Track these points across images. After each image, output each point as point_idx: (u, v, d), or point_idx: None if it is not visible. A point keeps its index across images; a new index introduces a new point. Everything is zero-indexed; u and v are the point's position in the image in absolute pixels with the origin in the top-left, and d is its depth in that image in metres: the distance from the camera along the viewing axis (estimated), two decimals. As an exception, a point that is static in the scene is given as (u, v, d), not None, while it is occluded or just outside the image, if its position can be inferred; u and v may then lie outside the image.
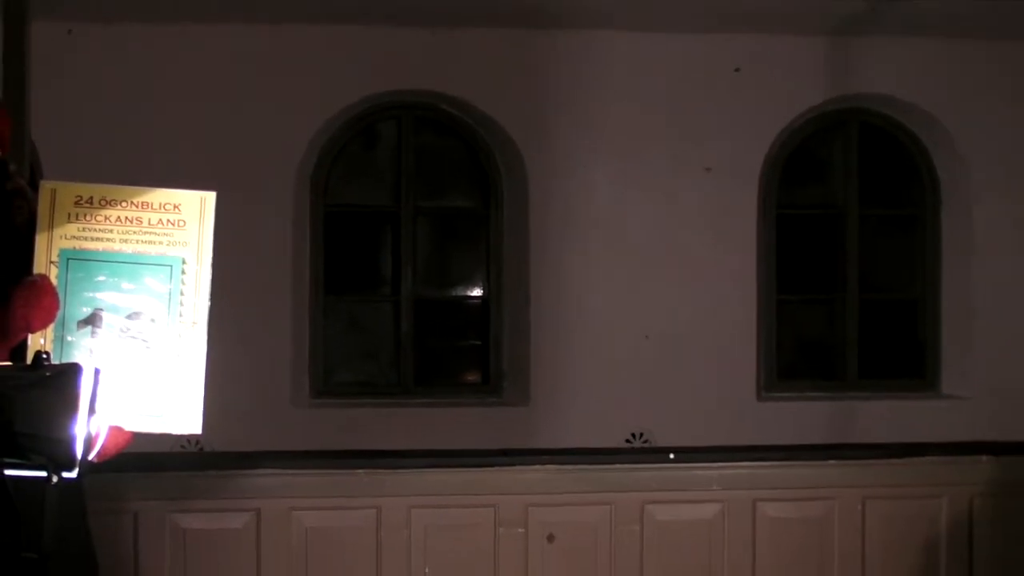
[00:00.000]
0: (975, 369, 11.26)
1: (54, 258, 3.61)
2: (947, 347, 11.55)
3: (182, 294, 3.64)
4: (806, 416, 10.85)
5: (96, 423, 3.47)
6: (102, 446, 3.63)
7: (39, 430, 3.38)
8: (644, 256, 10.87)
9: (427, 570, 6.74)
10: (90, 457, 3.51)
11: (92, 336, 3.61)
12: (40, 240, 3.61)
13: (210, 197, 3.69)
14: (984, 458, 7.33)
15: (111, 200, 3.64)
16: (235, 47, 10.32)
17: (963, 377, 11.36)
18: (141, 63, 10.13)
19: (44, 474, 3.38)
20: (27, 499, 3.42)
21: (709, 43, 10.77)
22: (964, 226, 11.36)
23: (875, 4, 8.50)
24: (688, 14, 10.26)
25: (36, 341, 3.56)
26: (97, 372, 3.45)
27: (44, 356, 3.48)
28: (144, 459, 7.10)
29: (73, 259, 3.61)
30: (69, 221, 3.61)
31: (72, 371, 3.43)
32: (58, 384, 3.41)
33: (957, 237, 11.43)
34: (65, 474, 3.40)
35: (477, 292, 11.34)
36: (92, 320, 3.61)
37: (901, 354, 11.73)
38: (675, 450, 7.33)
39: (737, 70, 10.91)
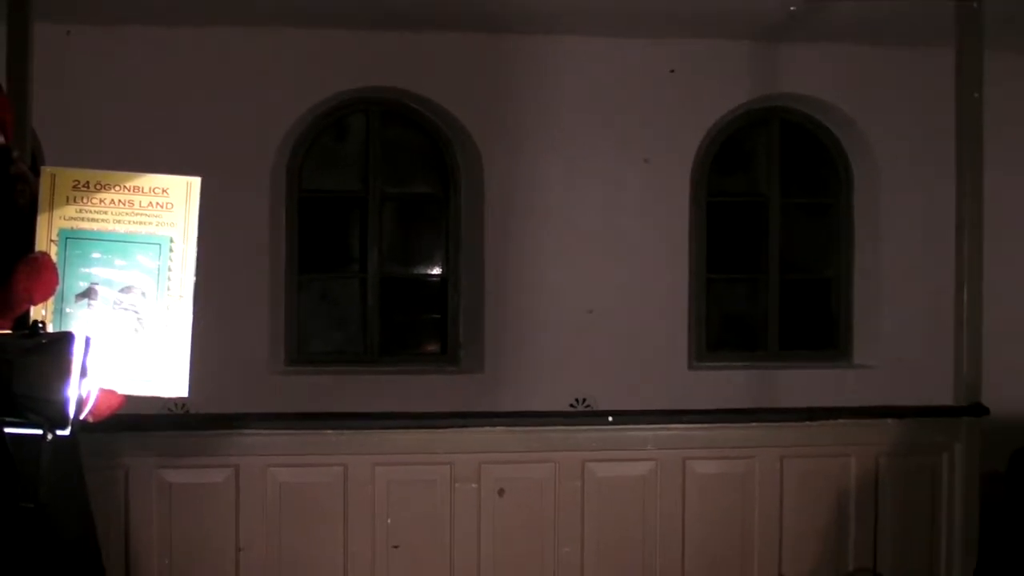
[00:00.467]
0: (882, 341, 11.31)
1: (54, 237, 3.61)
2: (858, 321, 11.61)
3: (170, 270, 3.65)
4: (731, 383, 10.90)
5: (87, 386, 3.49)
6: (97, 407, 3.64)
7: (35, 392, 3.39)
8: (588, 238, 10.88)
9: (389, 521, 6.74)
10: (82, 416, 3.52)
11: (88, 308, 3.61)
12: (41, 220, 3.61)
13: (195, 182, 3.70)
14: (889, 421, 7.36)
15: (106, 184, 3.64)
16: (219, 48, 10.28)
17: (871, 348, 11.42)
18: (134, 62, 10.09)
19: (40, 432, 3.40)
20: (25, 455, 3.43)
21: (648, 47, 10.77)
22: (874, 213, 11.41)
23: (795, 12, 8.51)
24: (629, 20, 10.25)
25: (38, 312, 3.56)
26: (88, 340, 3.46)
27: (40, 325, 3.49)
28: (135, 420, 7.09)
29: (71, 238, 3.61)
30: (67, 203, 3.61)
31: (65, 339, 3.44)
32: (53, 350, 3.42)
33: (867, 223, 11.48)
34: (59, 432, 3.42)
35: (437, 271, 11.33)
36: (88, 294, 3.62)
37: (817, 328, 11.78)
38: (613, 413, 7.32)
39: (672, 71, 10.92)
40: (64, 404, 3.41)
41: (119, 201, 3.64)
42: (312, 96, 10.64)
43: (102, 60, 10.05)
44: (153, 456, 6.60)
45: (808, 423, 7.28)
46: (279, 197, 10.70)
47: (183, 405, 9.77)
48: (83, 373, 3.46)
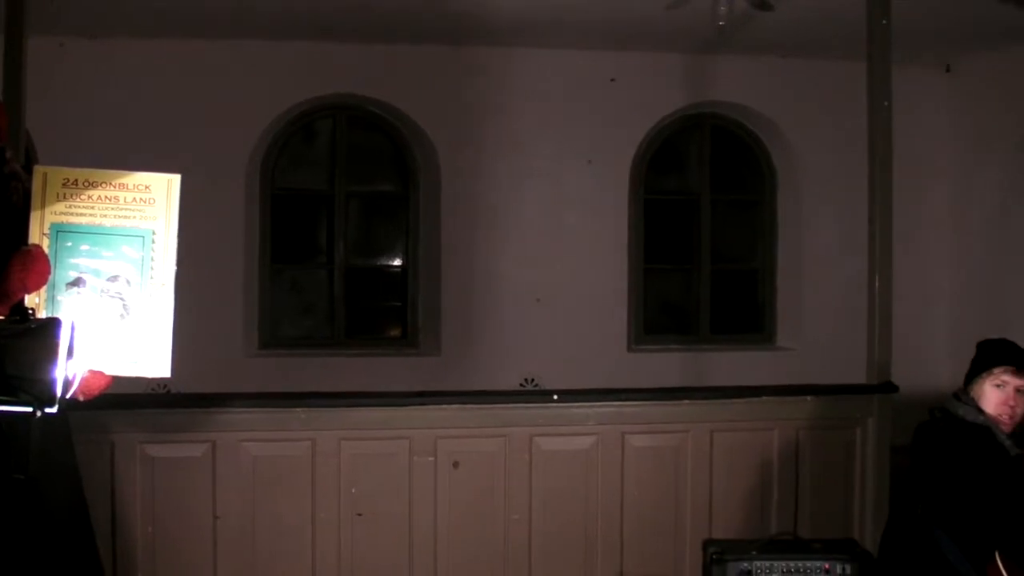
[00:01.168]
0: (803, 326, 11.39)
1: (46, 231, 3.61)
2: (781, 308, 11.69)
3: (153, 260, 3.65)
4: (666, 364, 10.94)
5: (73, 367, 3.49)
6: (87, 387, 3.64)
7: (25, 372, 3.39)
8: (536, 232, 10.91)
9: (353, 491, 6.74)
10: (70, 395, 3.52)
11: (78, 296, 3.62)
12: (34, 216, 3.61)
13: (176, 179, 3.71)
14: (808, 398, 7.39)
15: (93, 182, 3.64)
16: (200, 58, 10.26)
17: (793, 332, 11.50)
18: (122, 70, 10.07)
19: (30, 409, 3.40)
20: (17, 431, 3.43)
21: (590, 58, 10.82)
22: (795, 209, 11.49)
23: (724, 27, 8.55)
24: (574, 34, 10.27)
25: (32, 301, 3.56)
26: (73, 325, 3.47)
27: (30, 311, 3.50)
28: (121, 399, 7.07)
29: (61, 231, 3.61)
30: (58, 200, 3.61)
31: (53, 324, 3.45)
32: (41, 334, 3.43)
33: (789, 218, 11.56)
34: (48, 409, 3.42)
35: (398, 262, 11.34)
36: (78, 283, 3.62)
37: (744, 314, 11.85)
38: (559, 392, 7.33)
39: (613, 80, 10.96)
40: (52, 384, 3.41)
41: (105, 197, 3.64)
42: (284, 102, 10.63)
43: (93, 69, 10.02)
44: (137, 432, 6.57)
45: (736, 400, 7.30)
46: (253, 194, 10.68)
47: (165, 385, 9.73)
48: (69, 355, 3.47)
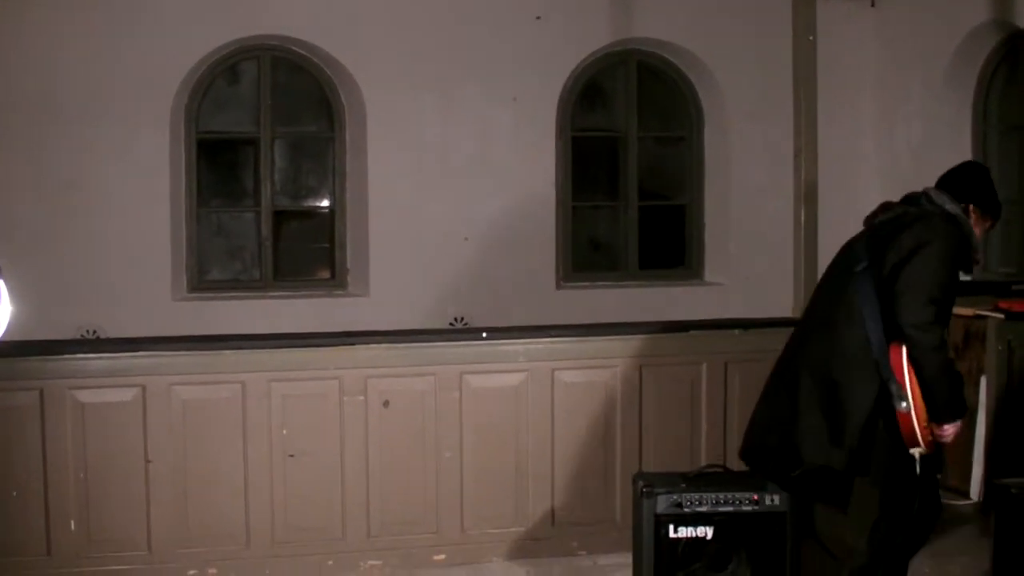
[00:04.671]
0: (730, 261, 11.47)
1: None
2: (709, 244, 11.75)
3: None
4: (595, 301, 10.97)
5: None
6: None
7: None
8: (463, 171, 10.90)
9: (284, 432, 6.74)
10: None
11: None
12: None
13: None
14: (736, 331, 7.46)
15: None
16: (120, 2, 10.15)
17: (721, 268, 11.57)
18: (39, 19, 9.93)
19: None
20: None
21: (516, -4, 10.84)
22: (722, 144, 11.53)
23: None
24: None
25: None
26: None
27: None
28: (49, 345, 7.06)
29: None
30: None
31: None
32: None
33: (717, 154, 11.60)
34: None
35: (325, 203, 11.29)
36: None
37: (672, 250, 11.90)
38: (488, 330, 7.35)
39: (538, 18, 10.94)
40: None
41: None
42: (206, 45, 10.52)
43: (5, 18, 9.86)
44: (66, 378, 6.54)
45: (664, 335, 7.36)
46: (178, 138, 10.59)
47: (94, 331, 9.76)
48: None
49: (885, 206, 5.71)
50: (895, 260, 5.34)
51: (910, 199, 5.68)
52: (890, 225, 5.53)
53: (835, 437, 5.36)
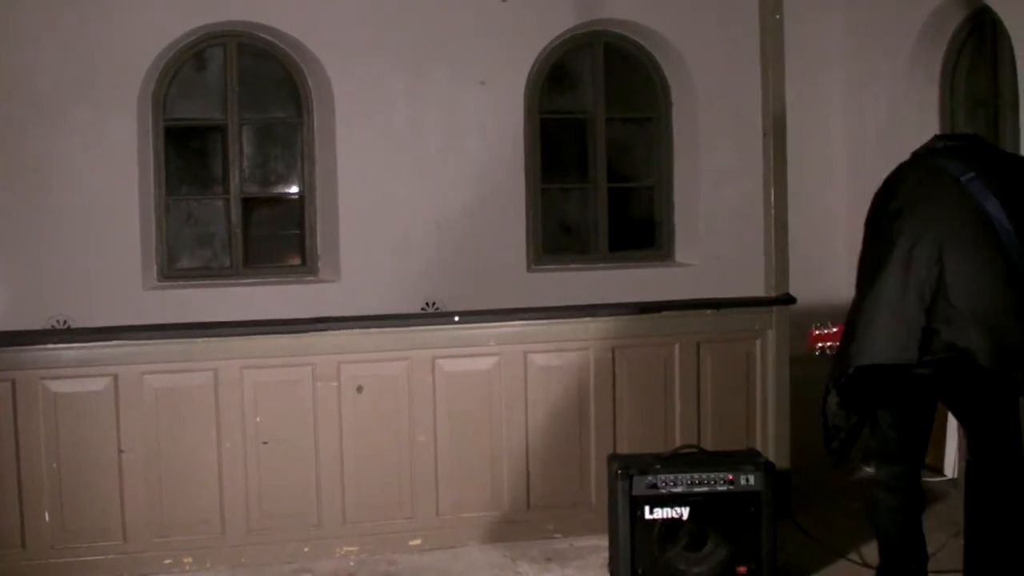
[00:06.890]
0: (701, 241, 11.48)
1: None
2: (678, 225, 11.77)
3: None
4: (567, 283, 11.00)
5: None
6: None
7: None
8: (433, 155, 10.90)
9: (258, 419, 6.73)
10: None
11: None
12: None
13: None
14: (708, 312, 7.47)
15: None
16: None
17: (691, 248, 11.60)
18: (12, 2, 9.89)
19: None
20: None
21: (481, -21, 10.82)
22: (691, 125, 11.54)
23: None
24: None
25: None
26: None
27: None
28: (20, 335, 7.03)
29: None
30: None
31: None
32: None
33: (685, 135, 11.61)
34: None
35: (295, 189, 11.26)
36: None
37: (642, 231, 11.92)
38: (460, 314, 7.34)
39: (504, 1, 10.92)
40: None
41: None
42: (172, 31, 10.48)
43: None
44: (38, 368, 6.51)
45: (636, 316, 7.35)
46: (145, 126, 10.54)
47: (65, 320, 9.71)
48: None
49: (940, 137, 5.71)
50: None
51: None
52: (975, 148, 5.52)
53: None
